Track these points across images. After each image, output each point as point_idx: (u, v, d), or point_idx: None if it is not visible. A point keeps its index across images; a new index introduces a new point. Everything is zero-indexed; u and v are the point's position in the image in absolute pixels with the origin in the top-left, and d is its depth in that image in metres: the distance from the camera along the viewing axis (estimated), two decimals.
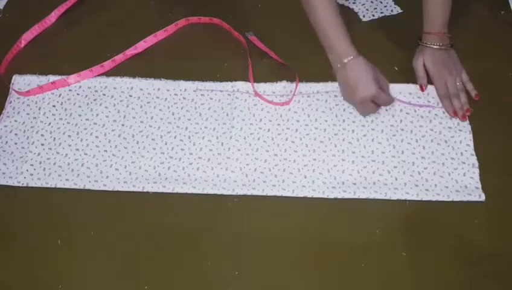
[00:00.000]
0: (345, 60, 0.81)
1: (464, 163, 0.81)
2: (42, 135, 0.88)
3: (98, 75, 0.94)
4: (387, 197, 0.78)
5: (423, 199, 0.78)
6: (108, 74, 0.94)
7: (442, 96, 0.87)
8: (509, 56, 0.93)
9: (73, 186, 0.82)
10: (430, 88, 0.89)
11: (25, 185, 0.82)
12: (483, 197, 0.78)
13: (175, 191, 0.80)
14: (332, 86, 0.90)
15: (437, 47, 0.87)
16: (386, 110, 0.87)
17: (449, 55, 0.88)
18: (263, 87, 0.91)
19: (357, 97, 0.81)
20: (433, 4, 0.86)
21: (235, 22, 1.00)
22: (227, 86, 0.92)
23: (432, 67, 0.87)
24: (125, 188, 0.81)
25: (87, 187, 0.82)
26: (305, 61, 0.94)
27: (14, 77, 0.95)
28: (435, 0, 0.85)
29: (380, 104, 0.84)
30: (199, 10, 1.04)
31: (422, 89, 0.88)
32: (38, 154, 0.85)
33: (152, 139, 0.86)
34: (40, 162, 0.84)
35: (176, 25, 1.01)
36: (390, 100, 0.85)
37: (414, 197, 0.78)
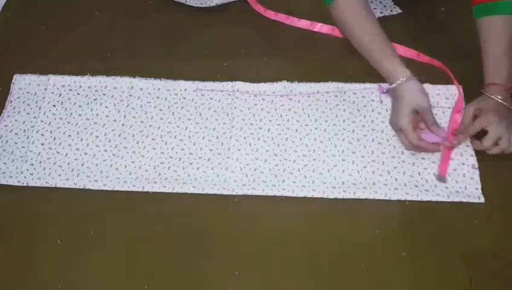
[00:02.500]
0: (396, 83, 0.80)
1: (463, 164, 0.81)
2: (42, 135, 0.88)
3: None
4: (387, 198, 0.78)
5: (423, 200, 0.78)
6: (108, 73, 0.94)
7: (486, 148, 0.79)
8: None
9: (73, 186, 0.82)
10: (428, 86, 0.88)
11: (25, 184, 0.82)
12: (482, 199, 0.78)
13: (175, 191, 0.80)
14: (333, 86, 0.90)
15: (499, 100, 0.79)
16: (387, 110, 0.87)
17: (508, 112, 0.80)
18: (263, 87, 0.91)
19: (391, 123, 0.82)
20: (497, 56, 0.81)
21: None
22: (227, 86, 0.92)
23: (491, 115, 0.78)
24: (125, 188, 0.81)
25: (87, 187, 0.82)
26: (305, 62, 0.95)
27: (14, 76, 0.95)
28: (499, 51, 0.80)
29: (409, 142, 0.79)
30: (199, 10, 1.04)
31: (448, 146, 0.81)
32: (39, 153, 0.85)
33: (152, 139, 0.86)
34: (40, 162, 0.84)
35: None
36: (414, 147, 0.79)
37: (414, 198, 0.78)
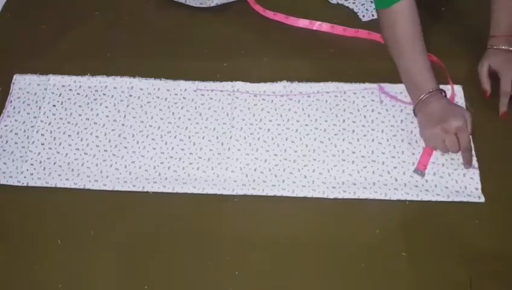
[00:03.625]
0: (427, 94, 0.79)
1: (464, 164, 0.81)
2: (42, 135, 0.88)
3: None
4: (387, 198, 0.78)
5: (423, 199, 0.78)
6: (108, 73, 0.94)
7: (503, 93, 0.83)
8: None
9: (73, 186, 0.82)
10: None
11: (25, 184, 0.82)
12: (482, 199, 0.78)
13: (175, 191, 0.80)
14: (333, 86, 0.90)
15: (505, 48, 0.85)
16: (387, 110, 0.87)
17: None
18: (263, 87, 0.91)
19: (446, 126, 0.77)
20: (500, 7, 0.85)
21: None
22: (227, 86, 0.92)
23: (500, 64, 0.85)
24: (125, 188, 0.81)
25: (87, 187, 0.82)
26: (305, 61, 0.95)
27: (14, 76, 0.95)
28: (502, 3, 0.84)
29: (462, 141, 0.78)
30: (199, 10, 1.04)
31: (486, 95, 0.86)
32: (39, 153, 0.85)
33: (152, 139, 0.86)
34: (40, 162, 0.84)
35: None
36: (468, 145, 0.79)
37: (414, 198, 0.78)
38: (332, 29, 0.99)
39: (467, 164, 0.79)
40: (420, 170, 0.81)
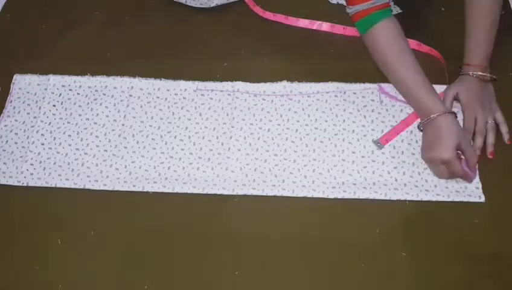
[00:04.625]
0: (433, 115, 0.77)
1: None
2: (42, 135, 0.88)
3: None
4: (387, 198, 0.78)
5: (423, 199, 0.78)
6: (108, 73, 0.94)
7: (466, 130, 0.81)
8: (509, 56, 0.93)
9: (73, 186, 0.82)
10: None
11: (25, 184, 0.82)
12: (483, 198, 0.78)
13: (175, 191, 0.80)
14: (333, 86, 0.90)
15: (477, 77, 0.82)
16: (387, 110, 0.87)
17: (487, 90, 0.84)
18: (263, 87, 0.91)
19: (430, 155, 0.76)
20: (476, 35, 0.83)
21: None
22: (227, 86, 0.92)
23: (465, 97, 0.82)
24: (125, 188, 0.81)
25: (87, 187, 0.82)
26: (305, 62, 0.95)
27: (14, 76, 0.95)
28: (479, 30, 0.83)
29: (452, 172, 0.76)
30: (199, 11, 1.04)
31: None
32: (39, 153, 0.85)
33: (152, 139, 0.86)
34: (40, 162, 0.84)
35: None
36: (463, 174, 0.76)
37: (414, 198, 0.78)
38: (332, 29, 0.99)
39: (469, 182, 0.79)
40: (380, 142, 0.82)
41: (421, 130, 0.82)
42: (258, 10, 1.03)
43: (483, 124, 0.81)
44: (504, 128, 0.83)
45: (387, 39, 0.82)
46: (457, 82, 0.85)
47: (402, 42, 0.82)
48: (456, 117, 0.78)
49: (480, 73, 0.83)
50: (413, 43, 0.94)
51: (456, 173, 0.76)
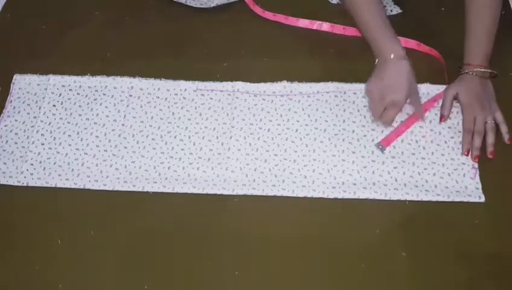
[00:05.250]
0: (391, 56, 0.80)
1: (464, 164, 0.81)
2: (42, 135, 0.88)
3: None
4: (387, 198, 0.78)
5: (423, 200, 0.78)
6: (108, 73, 0.94)
7: (465, 130, 0.82)
8: (509, 56, 0.93)
9: (73, 186, 0.82)
10: (429, 86, 0.89)
11: (25, 184, 0.82)
12: (483, 199, 0.78)
13: (175, 191, 0.80)
14: (333, 86, 0.90)
15: (477, 75, 0.83)
16: None
17: (487, 90, 0.84)
18: (263, 87, 0.91)
19: (387, 96, 0.79)
20: (475, 35, 0.84)
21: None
22: (227, 86, 0.92)
23: (465, 97, 0.83)
24: (125, 188, 0.81)
25: (87, 187, 0.82)
26: (305, 62, 0.95)
27: (14, 76, 0.95)
28: (478, 30, 0.83)
29: (388, 115, 0.82)
30: (199, 10, 1.04)
31: (441, 120, 0.84)
32: (39, 153, 0.85)
33: (152, 139, 0.86)
34: (40, 162, 0.84)
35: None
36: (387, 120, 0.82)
37: (414, 198, 0.78)
38: (332, 29, 0.99)
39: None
40: (382, 145, 0.82)
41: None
42: (257, 10, 1.03)
43: (482, 125, 0.82)
44: (504, 128, 0.83)
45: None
46: (457, 82, 0.86)
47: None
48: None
49: (481, 70, 0.83)
50: (413, 43, 0.94)
51: (389, 117, 0.81)
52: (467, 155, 0.81)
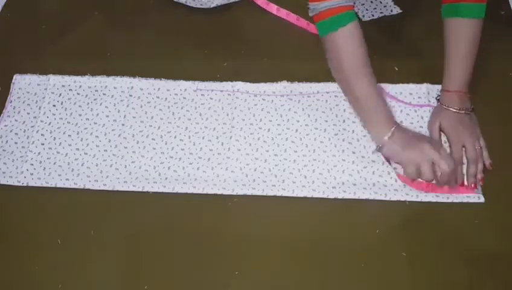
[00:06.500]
0: (392, 129, 0.77)
1: (463, 164, 0.81)
2: (42, 135, 0.88)
3: None
4: (387, 198, 0.78)
5: (423, 200, 0.78)
6: (108, 73, 0.94)
7: (456, 161, 0.78)
8: (509, 56, 0.93)
9: (73, 186, 0.82)
10: (429, 86, 0.89)
11: (25, 184, 0.82)
12: (482, 199, 0.78)
13: (175, 191, 0.80)
14: (333, 86, 0.90)
15: (455, 110, 0.80)
16: None
17: (469, 118, 0.81)
18: (263, 87, 0.91)
19: (427, 150, 0.75)
20: (454, 61, 0.80)
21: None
22: (227, 86, 0.92)
23: (449, 128, 0.80)
24: (125, 188, 0.81)
25: (87, 187, 0.82)
26: (305, 62, 0.95)
27: (14, 76, 0.95)
28: (457, 56, 0.80)
29: (440, 165, 0.76)
30: (199, 11, 1.04)
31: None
32: (39, 153, 0.85)
33: (152, 139, 0.86)
34: (40, 162, 0.84)
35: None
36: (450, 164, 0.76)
37: (414, 199, 0.78)
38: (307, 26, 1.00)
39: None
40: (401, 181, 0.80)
41: (378, 151, 0.80)
42: (261, 2, 1.03)
43: (474, 150, 0.79)
44: (485, 154, 0.80)
45: (348, 48, 0.78)
46: (437, 112, 0.83)
47: (362, 51, 0.78)
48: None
49: (455, 109, 0.80)
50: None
51: (428, 176, 0.76)
52: (462, 187, 0.79)
